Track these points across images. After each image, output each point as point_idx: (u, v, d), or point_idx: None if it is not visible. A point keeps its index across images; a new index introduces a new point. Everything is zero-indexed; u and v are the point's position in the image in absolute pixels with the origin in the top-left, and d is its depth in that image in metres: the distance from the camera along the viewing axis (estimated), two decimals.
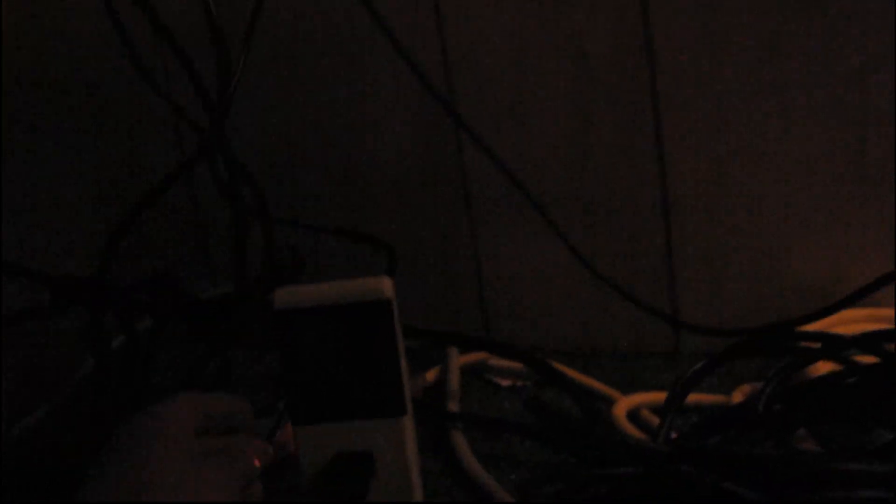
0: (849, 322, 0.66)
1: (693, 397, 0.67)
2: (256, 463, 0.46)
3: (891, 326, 0.64)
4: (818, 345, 0.63)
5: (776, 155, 0.70)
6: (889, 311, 0.67)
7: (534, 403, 0.60)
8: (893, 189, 0.67)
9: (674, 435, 0.60)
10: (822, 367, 0.61)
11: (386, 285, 0.51)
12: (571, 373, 0.71)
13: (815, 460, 0.49)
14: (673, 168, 0.72)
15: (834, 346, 0.61)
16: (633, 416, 0.66)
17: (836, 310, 0.63)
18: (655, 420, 0.64)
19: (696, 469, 0.49)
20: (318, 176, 0.81)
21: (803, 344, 0.64)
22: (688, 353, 0.75)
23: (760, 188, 0.71)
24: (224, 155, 0.62)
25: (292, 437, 0.53)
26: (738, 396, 0.65)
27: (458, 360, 0.74)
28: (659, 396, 0.67)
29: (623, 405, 0.66)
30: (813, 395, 0.57)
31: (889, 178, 0.67)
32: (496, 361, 0.77)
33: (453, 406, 0.68)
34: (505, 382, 0.76)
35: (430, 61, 0.73)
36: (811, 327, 0.65)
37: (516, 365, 0.76)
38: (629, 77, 0.70)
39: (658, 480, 0.50)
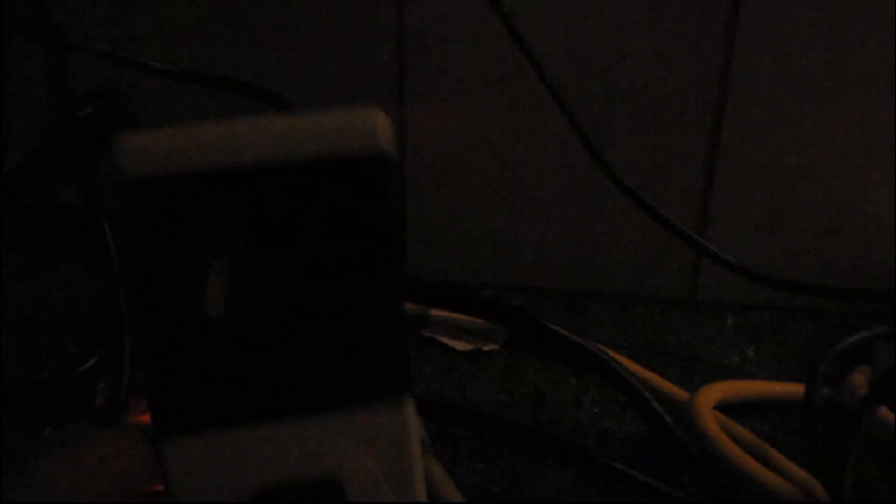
0: None
1: (760, 386, 0.46)
2: None
3: None
4: None
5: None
6: None
7: None
8: None
9: None
10: None
11: (381, 122, 0.25)
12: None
13: None
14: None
15: None
16: None
17: None
18: (740, 429, 0.42)
19: None
20: None
21: None
22: (710, 304, 0.58)
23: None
24: None
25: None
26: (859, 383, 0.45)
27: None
28: (737, 388, 0.45)
29: (705, 405, 0.43)
30: None
31: None
32: (440, 313, 0.52)
33: None
34: (460, 346, 0.51)
35: None
36: None
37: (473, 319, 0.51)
38: None
39: None
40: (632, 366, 0.48)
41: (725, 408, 0.45)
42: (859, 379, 0.45)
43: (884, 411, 0.42)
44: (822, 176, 0.55)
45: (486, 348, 0.52)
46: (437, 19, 0.54)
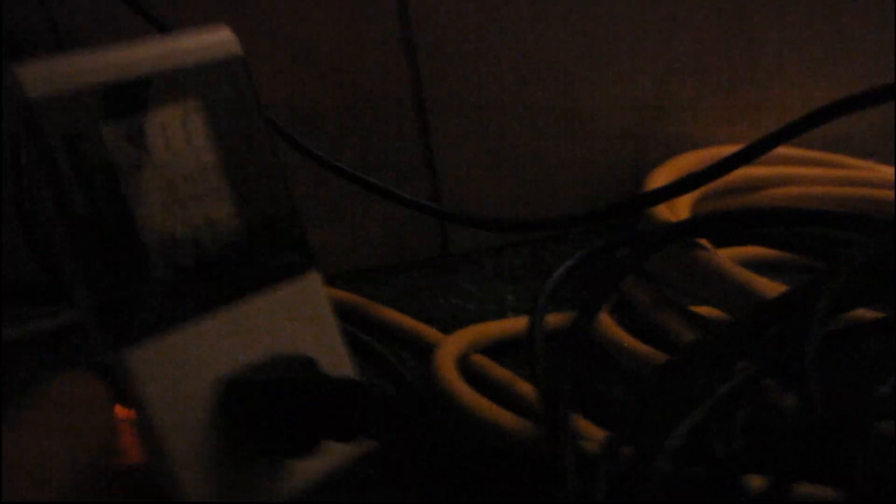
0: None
1: (501, 325, 0.46)
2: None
3: None
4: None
5: None
6: None
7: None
8: None
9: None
10: None
11: (229, 34, 0.31)
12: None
13: None
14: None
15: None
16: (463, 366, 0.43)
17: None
18: (494, 367, 0.42)
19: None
20: None
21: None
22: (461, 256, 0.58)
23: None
24: None
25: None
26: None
27: None
28: (485, 330, 0.45)
29: (450, 351, 0.43)
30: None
31: None
32: None
33: None
34: None
35: None
36: None
37: None
38: None
39: None
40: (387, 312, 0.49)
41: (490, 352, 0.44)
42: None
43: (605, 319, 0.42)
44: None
45: None
46: None
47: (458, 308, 0.52)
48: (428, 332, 0.47)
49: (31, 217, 0.47)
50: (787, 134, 0.44)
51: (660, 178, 0.51)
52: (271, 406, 0.28)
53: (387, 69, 0.53)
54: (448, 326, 0.48)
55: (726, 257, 0.41)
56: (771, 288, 0.39)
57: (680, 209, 0.48)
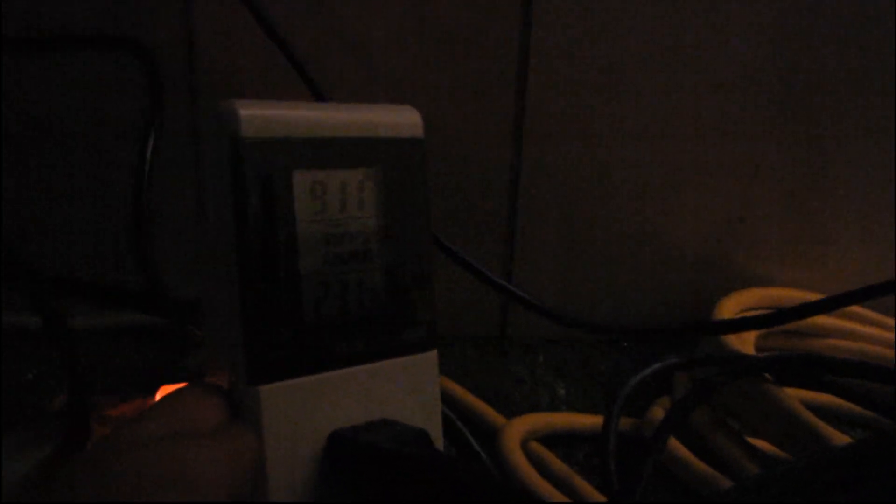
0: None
1: (567, 418, 0.47)
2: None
3: None
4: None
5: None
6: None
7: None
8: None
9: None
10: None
11: (416, 117, 0.32)
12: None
13: None
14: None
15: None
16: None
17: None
18: (553, 459, 0.43)
19: None
20: None
21: None
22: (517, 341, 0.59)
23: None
24: None
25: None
26: (657, 415, 0.47)
27: None
28: (547, 420, 0.47)
29: (515, 434, 0.44)
30: None
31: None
32: None
33: None
34: None
35: None
36: None
37: None
38: None
39: None
40: (451, 386, 0.49)
41: (543, 440, 0.46)
42: (657, 412, 0.47)
43: (674, 442, 0.43)
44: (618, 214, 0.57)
45: None
46: None
47: (510, 391, 0.53)
48: (488, 412, 0.48)
49: (145, 230, 0.49)
50: (867, 295, 0.45)
51: (728, 307, 0.53)
52: (390, 476, 0.28)
53: (491, 146, 0.55)
54: (499, 407, 0.48)
55: (795, 398, 0.43)
56: (836, 437, 0.40)
57: (746, 340, 0.50)
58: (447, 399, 0.49)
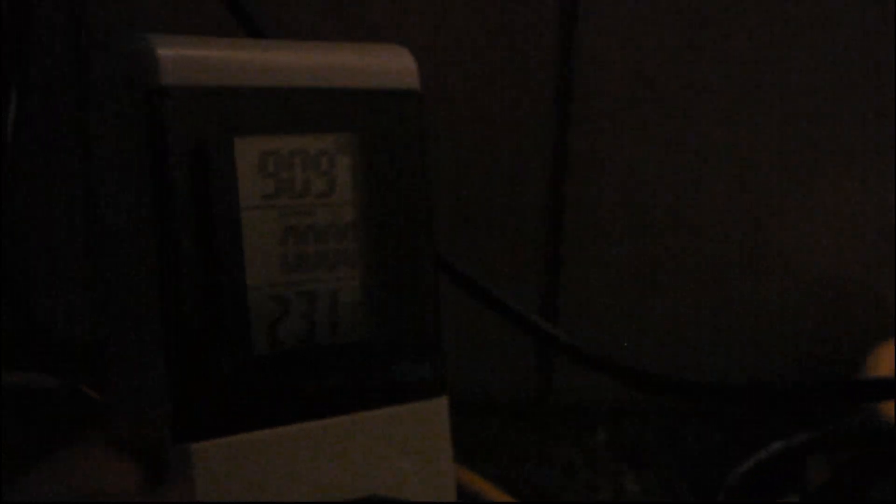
0: None
1: None
2: None
3: None
4: None
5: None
6: None
7: None
8: None
9: None
10: None
11: (409, 60, 0.27)
12: None
13: None
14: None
15: None
16: None
17: None
18: None
19: None
20: None
21: None
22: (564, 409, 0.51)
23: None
24: None
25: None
26: None
27: None
28: None
29: None
30: None
31: None
32: None
33: None
34: None
35: None
36: None
37: None
38: None
39: None
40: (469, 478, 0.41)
41: None
42: None
43: None
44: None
45: None
46: None
47: (556, 485, 0.44)
48: None
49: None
50: None
51: (885, 360, 0.45)
52: None
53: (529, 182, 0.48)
54: None
55: None
56: None
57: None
58: (463, 497, 0.41)
